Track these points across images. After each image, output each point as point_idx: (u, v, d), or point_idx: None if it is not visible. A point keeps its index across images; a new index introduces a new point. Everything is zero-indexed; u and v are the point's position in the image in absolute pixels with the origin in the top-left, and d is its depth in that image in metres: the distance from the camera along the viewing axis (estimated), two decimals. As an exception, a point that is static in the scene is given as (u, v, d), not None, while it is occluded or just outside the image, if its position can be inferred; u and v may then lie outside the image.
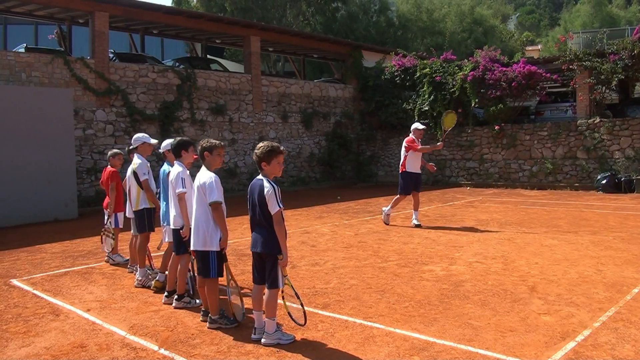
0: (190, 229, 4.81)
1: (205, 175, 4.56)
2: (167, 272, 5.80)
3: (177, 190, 5.05)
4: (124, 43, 22.33)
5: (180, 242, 5.18)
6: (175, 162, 5.23)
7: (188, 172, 5.17)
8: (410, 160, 9.99)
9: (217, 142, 4.70)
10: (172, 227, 5.28)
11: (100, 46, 14.08)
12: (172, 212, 5.24)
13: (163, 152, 5.84)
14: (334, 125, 20.50)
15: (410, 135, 10.14)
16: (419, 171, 10.15)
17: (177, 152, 5.22)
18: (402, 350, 3.99)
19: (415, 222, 9.77)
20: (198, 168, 4.74)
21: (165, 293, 5.40)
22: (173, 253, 5.38)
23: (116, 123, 14.35)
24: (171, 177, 5.17)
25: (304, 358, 3.93)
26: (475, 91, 17.38)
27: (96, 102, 13.97)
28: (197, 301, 5.21)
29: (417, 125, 10.25)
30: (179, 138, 5.35)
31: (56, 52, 14.20)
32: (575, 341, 4.09)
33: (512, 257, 7.01)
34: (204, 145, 4.64)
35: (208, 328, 4.59)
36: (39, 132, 11.26)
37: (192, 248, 4.67)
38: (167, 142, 5.78)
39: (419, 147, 10.01)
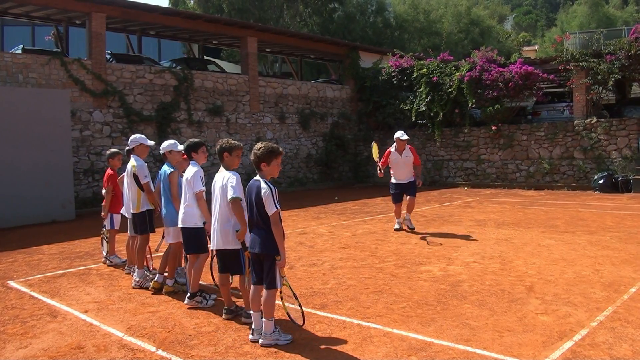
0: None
1: (226, 175, 4.58)
2: (166, 274, 5.79)
3: (195, 190, 5.11)
4: (121, 44, 22.26)
5: (190, 241, 5.22)
6: (190, 162, 5.30)
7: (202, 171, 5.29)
8: (393, 171, 9.58)
9: (237, 143, 4.72)
10: (181, 225, 5.27)
11: (97, 47, 14.06)
12: (182, 211, 5.25)
13: (163, 154, 5.84)
14: (331, 126, 20.50)
15: (392, 146, 9.51)
16: (411, 179, 9.45)
17: (188, 153, 5.32)
18: (399, 351, 4.00)
19: (407, 223, 9.51)
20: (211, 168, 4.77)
21: (188, 294, 5.31)
22: (189, 255, 5.36)
23: (113, 124, 14.33)
24: (187, 175, 5.20)
25: (302, 358, 3.93)
26: (472, 91, 17.41)
27: (93, 103, 13.94)
28: (210, 302, 5.23)
29: (398, 135, 9.43)
30: (194, 139, 5.42)
31: (53, 54, 14.18)
32: (573, 341, 4.10)
33: (509, 257, 7.02)
34: (224, 145, 4.65)
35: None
36: (36, 133, 11.23)
37: (217, 248, 4.65)
38: (167, 144, 5.79)
39: (379, 162, 9.50)
